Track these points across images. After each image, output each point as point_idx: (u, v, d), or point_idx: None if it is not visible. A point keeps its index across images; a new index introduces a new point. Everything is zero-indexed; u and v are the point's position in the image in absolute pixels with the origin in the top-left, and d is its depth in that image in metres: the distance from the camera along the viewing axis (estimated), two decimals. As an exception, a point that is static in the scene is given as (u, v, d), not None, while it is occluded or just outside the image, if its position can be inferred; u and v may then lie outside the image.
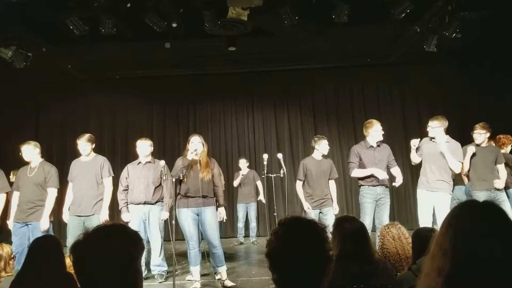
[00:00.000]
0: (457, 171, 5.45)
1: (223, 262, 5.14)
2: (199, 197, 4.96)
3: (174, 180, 5.02)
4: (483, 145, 5.75)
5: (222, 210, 5.16)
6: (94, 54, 7.84)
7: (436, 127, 5.38)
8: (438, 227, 5.08)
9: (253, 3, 5.54)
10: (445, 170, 5.32)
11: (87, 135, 5.59)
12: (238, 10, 5.87)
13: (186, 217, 4.98)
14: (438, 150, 5.32)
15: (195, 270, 5.12)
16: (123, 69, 8.88)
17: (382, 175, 5.38)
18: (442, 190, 5.28)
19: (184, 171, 4.98)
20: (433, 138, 5.42)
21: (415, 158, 5.52)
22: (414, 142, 5.45)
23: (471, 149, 5.77)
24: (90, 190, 5.41)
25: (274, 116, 9.59)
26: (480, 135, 5.71)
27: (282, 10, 5.87)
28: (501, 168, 5.70)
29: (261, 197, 8.29)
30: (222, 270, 5.13)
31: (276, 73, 9.37)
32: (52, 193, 5.47)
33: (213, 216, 5.04)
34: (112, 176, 5.62)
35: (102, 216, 5.34)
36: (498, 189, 5.59)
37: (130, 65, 8.65)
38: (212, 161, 5.21)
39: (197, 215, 5.04)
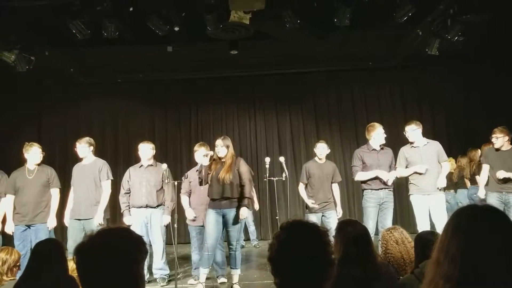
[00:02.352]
0: (448, 170, 5.54)
1: (238, 265, 5.13)
2: (221, 199, 4.96)
3: (176, 183, 5.03)
4: (503, 148, 5.71)
5: (243, 210, 4.96)
6: (97, 58, 7.86)
7: (415, 129, 5.46)
8: (435, 229, 5.09)
9: (255, 7, 5.55)
10: (434, 171, 5.40)
11: (86, 138, 5.60)
12: (240, 14, 5.88)
13: (210, 217, 4.99)
14: (424, 154, 5.40)
15: (204, 272, 5.07)
16: (126, 72, 8.89)
17: (386, 176, 5.39)
18: (436, 192, 5.36)
19: (200, 178, 4.99)
20: (413, 143, 5.47)
21: (405, 173, 5.53)
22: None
23: (489, 152, 5.79)
24: (89, 193, 5.42)
25: (276, 119, 9.58)
26: (497, 139, 5.69)
27: (284, 14, 5.88)
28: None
29: (256, 205, 8.24)
30: (235, 273, 5.13)
31: (278, 77, 9.37)
32: (56, 194, 5.55)
33: (238, 218, 5.00)
34: (111, 180, 5.61)
35: (97, 220, 5.32)
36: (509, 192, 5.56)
37: (133, 68, 8.67)
38: (238, 160, 5.15)
39: (222, 217, 5.01)
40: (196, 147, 5.68)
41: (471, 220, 1.34)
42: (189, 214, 5.52)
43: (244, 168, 5.10)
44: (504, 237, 1.28)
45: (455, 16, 6.10)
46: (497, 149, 5.72)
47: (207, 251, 4.98)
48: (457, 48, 6.74)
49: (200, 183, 5.03)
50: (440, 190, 5.39)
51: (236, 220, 4.99)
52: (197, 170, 5.21)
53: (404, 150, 5.59)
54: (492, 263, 1.23)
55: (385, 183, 5.44)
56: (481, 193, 5.64)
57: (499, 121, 7.33)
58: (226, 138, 5.12)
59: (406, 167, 5.53)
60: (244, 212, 4.98)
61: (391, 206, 5.53)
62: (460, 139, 8.74)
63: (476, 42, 7.33)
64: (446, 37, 6.33)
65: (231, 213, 4.99)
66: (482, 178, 5.81)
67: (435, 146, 5.52)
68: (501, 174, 5.48)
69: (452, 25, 6.21)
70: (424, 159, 5.41)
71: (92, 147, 5.59)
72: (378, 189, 5.45)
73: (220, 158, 5.02)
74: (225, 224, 5.03)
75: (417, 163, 5.41)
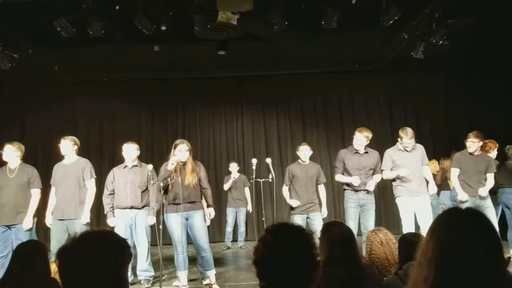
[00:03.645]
0: (430, 174, 5.63)
1: (212, 266, 5.14)
2: (187, 202, 4.98)
3: (162, 184, 5.01)
4: (476, 153, 5.80)
5: (211, 211, 5.22)
6: (82, 56, 7.78)
7: (407, 141, 5.47)
8: (421, 231, 5.15)
9: (243, 8, 5.54)
10: (420, 174, 5.49)
11: (70, 137, 5.53)
12: (228, 14, 5.87)
13: (175, 221, 4.96)
14: (411, 157, 5.49)
15: (182, 275, 5.09)
16: (111, 71, 8.81)
17: (357, 182, 5.44)
18: (422, 193, 5.43)
19: (165, 183, 4.97)
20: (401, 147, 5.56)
21: (390, 175, 5.60)
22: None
23: (461, 156, 5.84)
24: (72, 193, 5.34)
25: (263, 120, 9.59)
26: (474, 143, 5.75)
27: (272, 16, 5.89)
28: (490, 177, 5.76)
29: (249, 206, 8.26)
30: (211, 274, 5.13)
31: (265, 78, 9.38)
32: (36, 194, 5.44)
33: (202, 220, 5.06)
34: (95, 178, 5.55)
35: (83, 219, 5.26)
36: (482, 197, 5.64)
37: (119, 67, 8.60)
38: (198, 164, 5.23)
39: (186, 219, 5.02)
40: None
41: (449, 222, 1.37)
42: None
43: (204, 173, 5.26)
44: (483, 238, 1.30)
45: (440, 20, 6.18)
46: (471, 153, 5.79)
47: (179, 254, 5.01)
48: (441, 52, 6.83)
49: (163, 187, 4.98)
50: (426, 192, 5.47)
51: (201, 222, 5.05)
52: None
53: (390, 153, 5.63)
54: (469, 265, 1.25)
55: (363, 187, 5.49)
56: (462, 196, 5.65)
57: (481, 125, 7.48)
58: (187, 143, 5.14)
59: (392, 169, 5.57)
60: (212, 213, 5.17)
61: (372, 207, 5.57)
62: (444, 141, 8.86)
63: (461, 46, 7.42)
64: (431, 40, 6.41)
65: (195, 216, 5.01)
66: (455, 181, 5.85)
67: (420, 150, 5.61)
68: (483, 192, 5.62)
69: (437, 29, 6.29)
70: (410, 162, 5.46)
71: (76, 147, 5.51)
72: (358, 191, 5.49)
73: (183, 163, 5.01)
74: (191, 228, 5.03)
75: (403, 166, 5.45)
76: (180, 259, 5.04)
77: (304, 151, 5.81)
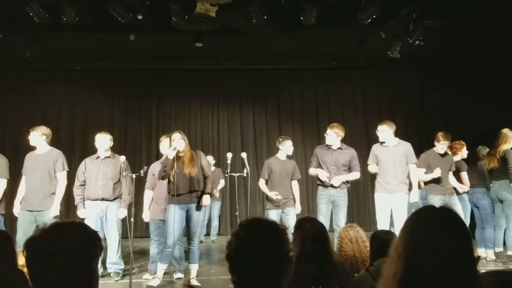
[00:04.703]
0: (415, 173, 5.62)
1: (197, 260, 5.12)
2: (187, 193, 4.92)
3: (134, 176, 4.93)
4: (443, 153, 5.91)
5: (206, 197, 5.01)
6: (55, 43, 7.55)
7: (386, 130, 5.54)
8: (395, 229, 5.24)
9: (222, 0, 5.49)
10: (401, 172, 5.51)
11: (41, 127, 5.37)
12: (206, 6, 5.80)
13: (173, 214, 4.89)
14: (393, 153, 5.51)
15: (162, 268, 5.01)
16: (85, 60, 8.61)
17: (324, 176, 5.49)
18: (400, 192, 5.46)
19: (165, 172, 4.89)
20: (384, 142, 5.58)
21: (373, 169, 5.65)
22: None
23: (429, 157, 5.95)
24: (43, 184, 5.21)
25: (239, 115, 9.56)
26: (445, 144, 5.87)
27: (251, 9, 5.86)
28: (451, 175, 5.95)
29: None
30: (193, 268, 5.10)
31: (242, 72, 9.34)
32: (1, 184, 5.26)
33: (201, 213, 5.02)
34: (67, 171, 5.42)
35: (53, 212, 5.14)
36: (459, 193, 5.83)
37: (92, 56, 8.41)
38: (197, 153, 5.15)
39: (186, 212, 4.97)
40: (162, 138, 5.59)
41: (421, 219, 1.39)
42: (146, 216, 5.50)
43: (205, 161, 5.20)
44: (454, 236, 1.32)
45: (417, 21, 6.28)
46: (441, 154, 5.90)
47: (168, 248, 4.93)
48: (417, 52, 6.94)
49: (163, 178, 4.94)
50: (404, 191, 5.50)
51: (200, 215, 5.00)
52: (161, 163, 5.11)
53: (374, 148, 5.69)
54: (440, 262, 1.27)
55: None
56: (414, 197, 5.61)
57: (454, 124, 7.65)
58: (182, 132, 5.07)
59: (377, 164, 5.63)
60: (207, 198, 5.00)
61: (343, 204, 5.61)
62: (417, 140, 9.02)
63: (436, 47, 7.56)
64: (408, 40, 6.51)
65: (194, 209, 4.97)
66: (423, 180, 5.98)
67: (405, 147, 5.60)
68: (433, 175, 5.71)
69: (413, 29, 6.38)
70: (391, 158, 5.51)
71: (45, 137, 5.34)
72: (328, 186, 5.54)
73: (178, 152, 4.94)
74: (188, 220, 4.99)
75: (385, 162, 5.51)
76: (166, 252, 4.96)
77: (289, 146, 5.82)
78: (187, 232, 5.08)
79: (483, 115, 8.58)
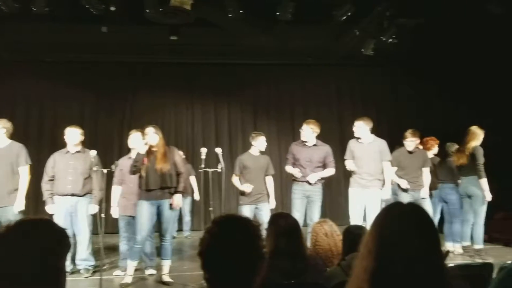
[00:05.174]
0: (389, 170, 5.70)
1: (169, 256, 5.06)
2: (158, 189, 4.84)
3: (105, 172, 4.83)
4: (414, 151, 6.00)
5: (177, 197, 4.92)
6: (24, 34, 7.33)
7: (362, 126, 5.60)
8: (367, 224, 5.31)
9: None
10: (375, 169, 5.57)
11: (1, 120, 5.17)
12: (181, -1, 5.73)
13: (144, 210, 4.82)
14: (368, 150, 5.58)
15: (132, 265, 4.95)
16: (55, 51, 8.40)
17: (298, 174, 5.55)
18: (374, 187, 5.53)
19: (136, 166, 4.80)
20: (359, 138, 5.63)
21: (351, 166, 5.70)
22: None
23: (399, 155, 6.05)
24: (5, 179, 5.03)
25: (214, 109, 9.51)
26: (412, 142, 5.97)
27: (227, 3, 5.82)
28: (426, 171, 6.03)
29: (196, 195, 8.18)
30: (166, 264, 5.04)
31: (218, 66, 9.29)
32: None
33: (171, 209, 4.92)
34: (30, 165, 5.26)
35: (17, 207, 4.99)
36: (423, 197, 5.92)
37: (63, 48, 8.21)
38: (171, 149, 5.07)
39: (157, 208, 4.89)
40: (132, 132, 5.49)
41: (390, 215, 1.42)
42: (115, 212, 5.38)
43: (178, 157, 5.13)
44: (422, 232, 1.36)
45: (391, 18, 6.36)
46: (409, 151, 6.01)
47: (138, 244, 4.86)
48: (391, 49, 7.04)
49: (134, 172, 4.86)
50: (378, 186, 5.57)
51: (171, 211, 4.93)
52: (130, 158, 5.02)
53: (350, 144, 5.74)
54: (408, 257, 1.30)
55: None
56: (402, 183, 5.86)
57: (425, 121, 7.80)
58: (156, 127, 5.00)
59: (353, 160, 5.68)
60: (179, 199, 4.93)
61: (318, 199, 5.66)
62: (388, 136, 9.15)
63: (408, 45, 7.68)
64: (381, 38, 6.59)
65: (166, 205, 4.90)
66: (394, 177, 6.08)
67: (380, 145, 5.67)
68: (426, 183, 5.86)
69: (387, 27, 6.47)
70: (366, 155, 5.57)
71: (5, 130, 5.15)
72: (303, 181, 5.57)
73: (151, 147, 4.87)
74: (159, 216, 4.92)
75: (360, 158, 5.57)
76: (136, 249, 4.89)
77: (263, 142, 5.81)
78: (159, 228, 5.02)
79: (452, 113, 8.79)
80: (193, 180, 8.19)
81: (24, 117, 8.51)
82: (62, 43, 7.97)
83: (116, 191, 5.41)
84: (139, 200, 4.92)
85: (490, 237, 6.64)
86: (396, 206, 1.48)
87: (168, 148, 5.04)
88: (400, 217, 1.39)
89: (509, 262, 2.55)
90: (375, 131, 7.94)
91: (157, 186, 4.84)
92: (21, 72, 8.68)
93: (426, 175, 6.04)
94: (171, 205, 4.90)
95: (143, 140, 4.90)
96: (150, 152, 4.88)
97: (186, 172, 8.11)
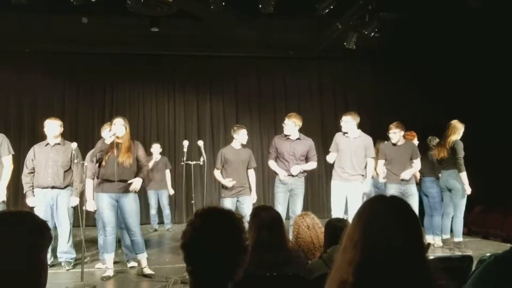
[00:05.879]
0: (372, 166, 5.75)
1: (144, 249, 4.99)
2: (117, 181, 4.77)
3: (86, 164, 4.76)
4: (399, 143, 6.01)
5: (137, 180, 4.84)
6: (2, 24, 7.15)
7: (349, 121, 5.63)
8: (349, 217, 5.35)
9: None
10: (359, 164, 5.62)
11: None
12: (163, -10, 5.67)
13: (104, 202, 4.77)
14: (353, 144, 5.60)
15: (110, 258, 4.92)
16: (34, 42, 8.22)
17: (282, 174, 5.56)
18: (356, 181, 5.57)
19: (100, 155, 4.73)
20: (346, 132, 5.68)
21: (331, 158, 5.75)
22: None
23: (386, 148, 6.11)
24: None
25: (196, 102, 9.47)
26: (395, 134, 5.97)
27: (209, -5, 5.78)
28: (417, 162, 6.02)
29: (169, 188, 8.13)
30: (142, 258, 4.98)
31: (200, 58, 9.24)
32: None
33: (133, 202, 4.86)
34: (12, 154, 5.18)
35: None
36: (403, 180, 5.88)
37: (42, 39, 8.04)
38: (135, 144, 5.01)
39: (116, 201, 4.84)
40: (105, 126, 5.43)
41: (373, 208, 1.44)
42: (90, 205, 5.22)
43: (142, 152, 5.06)
44: (404, 225, 1.38)
45: (373, 12, 6.40)
46: (394, 144, 6.04)
47: (110, 235, 4.82)
48: (372, 43, 7.09)
49: (97, 161, 4.78)
50: (360, 180, 5.61)
51: (133, 204, 4.86)
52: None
53: (337, 137, 5.77)
54: (392, 250, 1.31)
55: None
56: (366, 187, 5.77)
57: (406, 115, 7.90)
58: (125, 119, 4.94)
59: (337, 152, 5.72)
60: (138, 182, 4.84)
61: (300, 192, 5.69)
62: (369, 129, 9.26)
63: (389, 40, 7.75)
64: (363, 32, 6.63)
65: (126, 199, 4.83)
66: (379, 171, 6.17)
67: (365, 141, 5.68)
68: (405, 175, 5.85)
69: (369, 21, 6.51)
70: (351, 149, 5.60)
71: None
72: (287, 175, 5.61)
73: (117, 138, 4.81)
74: (121, 211, 4.87)
75: (344, 152, 5.61)
76: (108, 241, 4.84)
77: (244, 135, 5.79)
78: (124, 224, 4.93)
79: (433, 107, 8.93)
80: (167, 174, 8.14)
81: (3, 109, 8.37)
82: (42, 34, 7.82)
83: (89, 184, 5.25)
84: (97, 192, 4.85)
85: (469, 230, 6.77)
86: (377, 199, 1.50)
87: (132, 142, 4.98)
88: (381, 211, 1.40)
89: (488, 254, 2.61)
90: (361, 123, 8.00)
91: (116, 178, 4.75)
92: (0, 62, 8.49)
93: (416, 166, 6.03)
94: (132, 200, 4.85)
95: (109, 132, 4.83)
96: (116, 144, 4.81)
97: (163, 165, 8.09)
